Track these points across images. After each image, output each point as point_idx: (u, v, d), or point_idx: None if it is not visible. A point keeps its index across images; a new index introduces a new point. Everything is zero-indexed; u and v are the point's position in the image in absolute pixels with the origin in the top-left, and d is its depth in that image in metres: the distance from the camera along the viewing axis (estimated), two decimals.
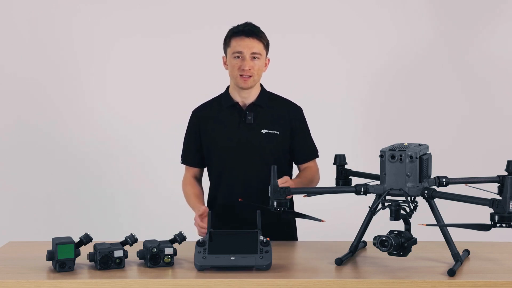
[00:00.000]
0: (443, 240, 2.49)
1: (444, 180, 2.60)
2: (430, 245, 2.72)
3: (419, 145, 2.52)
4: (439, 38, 4.96)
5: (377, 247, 2.39)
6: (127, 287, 2.33)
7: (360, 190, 2.49)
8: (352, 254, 2.56)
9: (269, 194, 2.51)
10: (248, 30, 2.91)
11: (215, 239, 2.46)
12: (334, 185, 2.82)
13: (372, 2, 4.96)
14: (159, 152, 4.88)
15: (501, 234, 2.80)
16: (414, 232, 2.46)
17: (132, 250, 2.51)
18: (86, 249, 2.49)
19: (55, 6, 4.88)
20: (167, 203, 4.69)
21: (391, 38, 4.97)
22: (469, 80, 4.98)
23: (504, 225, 2.23)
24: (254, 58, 2.90)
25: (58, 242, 2.42)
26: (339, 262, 2.48)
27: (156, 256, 2.46)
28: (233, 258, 2.40)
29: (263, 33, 2.95)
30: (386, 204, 2.45)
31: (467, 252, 2.60)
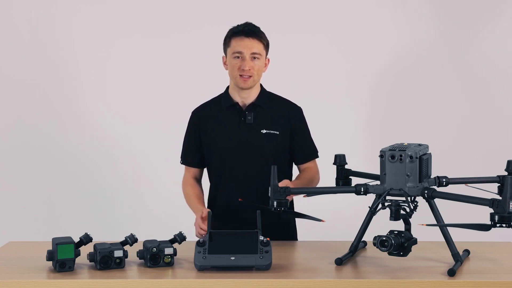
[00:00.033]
0: (443, 240, 2.49)
1: (444, 180, 2.60)
2: (430, 245, 2.72)
3: (419, 145, 2.52)
4: (439, 38, 4.96)
5: (377, 247, 2.39)
6: (127, 287, 2.33)
7: (360, 190, 2.49)
8: (352, 254, 2.56)
9: (269, 194, 2.51)
10: (248, 30, 2.91)
11: (215, 239, 2.46)
12: (334, 185, 2.82)
13: (372, 2, 4.97)
14: (159, 152, 4.88)
15: (501, 234, 2.80)
16: (414, 232, 2.46)
17: (132, 250, 2.51)
18: (86, 249, 2.49)
19: (55, 6, 4.88)
20: (167, 203, 4.69)
21: (391, 38, 4.97)
22: (469, 80, 4.98)
23: (504, 225, 2.23)
24: (254, 58, 2.90)
25: (58, 242, 2.42)
26: (339, 262, 2.48)
27: (156, 256, 2.46)
28: (233, 258, 2.40)
29: (263, 33, 2.95)
30: (386, 204, 2.45)
31: (467, 252, 2.60)
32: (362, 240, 2.63)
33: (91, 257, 2.44)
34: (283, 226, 3.04)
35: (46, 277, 2.37)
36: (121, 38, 4.92)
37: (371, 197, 2.52)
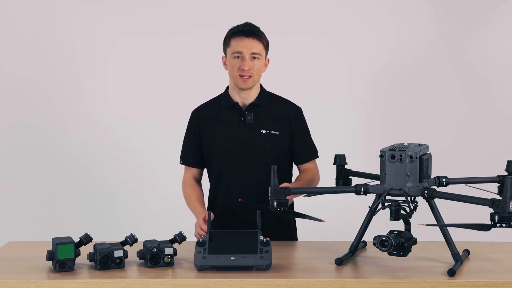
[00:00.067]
0: (443, 240, 2.49)
1: (444, 180, 2.60)
2: (430, 245, 2.72)
3: (419, 145, 2.52)
4: (439, 38, 4.96)
5: (377, 247, 2.39)
6: (127, 287, 2.33)
7: (360, 190, 2.49)
8: (352, 254, 2.56)
9: (269, 194, 2.51)
10: (248, 30, 2.91)
11: (215, 239, 2.46)
12: (334, 185, 2.82)
13: (372, 2, 4.97)
14: (159, 152, 4.88)
15: (501, 234, 2.80)
16: (414, 232, 2.46)
17: (132, 250, 2.51)
18: (86, 249, 2.49)
19: (55, 6, 4.88)
20: (167, 203, 4.69)
21: (391, 38, 4.97)
22: (469, 80, 4.98)
23: (504, 225, 2.23)
24: (254, 58, 2.90)
25: (58, 242, 2.42)
26: (339, 262, 2.48)
27: (156, 256, 2.46)
28: (233, 258, 2.40)
29: (262, 33, 2.95)
30: (386, 204, 2.45)
31: (467, 252, 2.60)
32: (362, 240, 2.63)
33: (91, 257, 2.44)
34: (283, 226, 3.04)
35: (46, 277, 2.37)
36: (121, 38, 4.92)
37: (371, 197, 2.52)
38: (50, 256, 2.42)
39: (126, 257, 2.47)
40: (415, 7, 4.95)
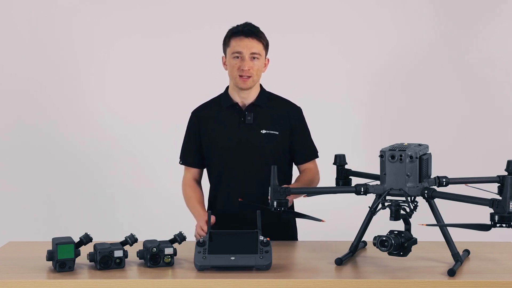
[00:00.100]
0: (443, 240, 2.49)
1: (444, 180, 2.60)
2: (430, 245, 2.72)
3: (419, 145, 2.52)
4: (439, 38, 4.96)
5: (377, 247, 2.39)
6: (127, 287, 2.33)
7: (360, 190, 2.49)
8: (352, 254, 2.56)
9: (269, 194, 2.51)
10: (248, 30, 2.91)
11: (215, 239, 2.46)
12: (334, 185, 2.82)
13: (372, 2, 4.97)
14: (159, 152, 4.88)
15: (501, 234, 2.80)
16: (414, 232, 2.46)
17: (132, 250, 2.51)
18: (86, 249, 2.49)
19: (55, 6, 4.88)
20: (167, 203, 4.68)
21: (391, 38, 4.97)
22: (469, 80, 4.98)
23: (504, 225, 2.23)
24: (254, 58, 2.90)
25: (58, 242, 2.42)
26: (339, 262, 2.48)
27: (156, 256, 2.46)
28: (233, 258, 2.40)
29: (262, 33, 2.95)
30: (386, 204, 2.45)
31: (467, 252, 2.60)
32: (362, 240, 2.63)
33: (91, 257, 2.44)
34: (283, 226, 3.03)
35: (46, 277, 2.37)
36: (121, 38, 4.92)
37: (371, 197, 2.52)
38: (50, 256, 2.42)
39: (126, 257, 2.47)
40: (415, 7, 4.95)
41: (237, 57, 2.90)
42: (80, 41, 4.90)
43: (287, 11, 4.90)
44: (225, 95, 3.02)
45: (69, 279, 2.34)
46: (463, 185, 2.69)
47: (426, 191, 2.42)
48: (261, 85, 3.03)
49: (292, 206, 3.07)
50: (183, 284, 2.34)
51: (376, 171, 2.55)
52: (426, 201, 2.47)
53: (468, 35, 4.96)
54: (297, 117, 3.03)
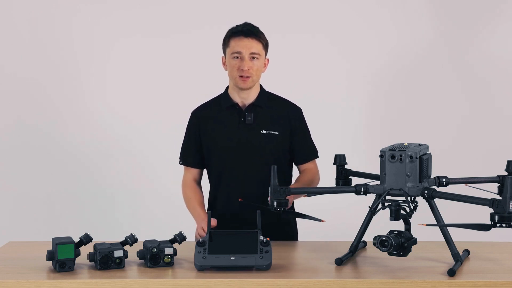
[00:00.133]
0: (443, 240, 2.49)
1: (444, 180, 2.60)
2: (430, 245, 2.72)
3: (419, 145, 2.52)
4: (439, 38, 4.96)
5: (377, 247, 2.39)
6: (127, 287, 2.33)
7: (360, 190, 2.49)
8: (352, 254, 2.56)
9: (269, 194, 2.51)
10: (247, 30, 2.91)
11: (215, 239, 2.46)
12: (334, 185, 2.82)
13: (372, 2, 4.97)
14: (159, 152, 4.88)
15: (501, 234, 2.80)
16: (414, 232, 2.46)
17: (132, 250, 2.51)
18: (86, 249, 2.49)
19: (55, 6, 4.88)
20: (167, 203, 4.68)
21: (391, 38, 4.97)
22: (469, 80, 4.98)
23: (504, 225, 2.23)
24: (253, 58, 2.90)
25: (58, 242, 2.42)
26: (339, 262, 2.48)
27: (156, 256, 2.46)
28: (233, 258, 2.40)
29: (262, 33, 2.95)
30: (386, 204, 2.45)
31: (467, 252, 2.60)
32: (362, 240, 2.63)
33: (91, 257, 2.44)
34: (283, 226, 3.03)
35: (46, 277, 2.37)
36: (121, 38, 4.92)
37: (371, 197, 2.52)
38: (50, 256, 2.42)
39: (126, 257, 2.47)
40: (415, 7, 4.95)
41: (237, 57, 2.90)
42: (80, 41, 4.90)
43: (287, 11, 4.90)
44: (225, 95, 3.02)
45: (69, 279, 2.34)
46: (463, 185, 2.69)
47: (426, 191, 2.42)
48: (261, 85, 3.03)
49: (292, 206, 3.07)
50: (183, 284, 2.34)
51: (376, 171, 2.55)
52: (426, 201, 2.47)
53: (468, 35, 4.96)
54: (297, 117, 3.03)
